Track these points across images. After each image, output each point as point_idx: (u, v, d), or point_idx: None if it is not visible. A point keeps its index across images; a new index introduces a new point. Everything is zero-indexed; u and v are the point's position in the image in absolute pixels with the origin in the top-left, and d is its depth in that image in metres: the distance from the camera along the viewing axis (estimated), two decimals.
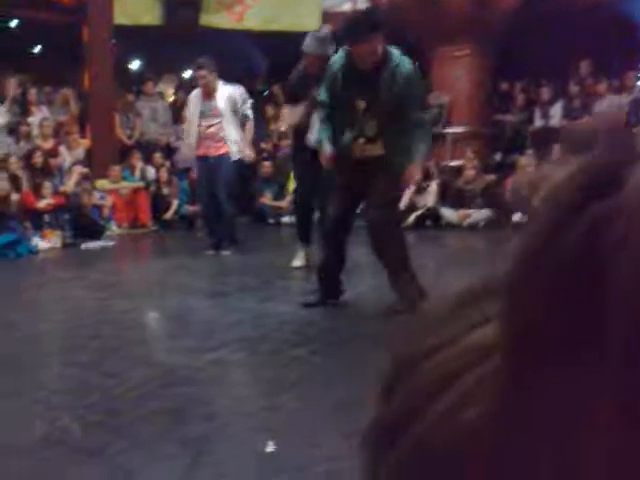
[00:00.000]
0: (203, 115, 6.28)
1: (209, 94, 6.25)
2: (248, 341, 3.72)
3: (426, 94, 9.83)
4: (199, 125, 6.30)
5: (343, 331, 3.86)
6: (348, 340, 3.68)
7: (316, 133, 4.38)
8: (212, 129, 6.24)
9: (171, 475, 2.42)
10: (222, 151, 6.27)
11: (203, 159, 6.36)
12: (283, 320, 4.12)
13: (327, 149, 3.96)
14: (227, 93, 6.26)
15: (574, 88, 8.88)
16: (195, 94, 6.40)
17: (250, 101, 6.62)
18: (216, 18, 10.07)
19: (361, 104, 3.85)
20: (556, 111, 9.04)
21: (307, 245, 5.52)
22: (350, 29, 3.84)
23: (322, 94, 4.04)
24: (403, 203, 8.23)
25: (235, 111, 6.27)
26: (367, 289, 4.78)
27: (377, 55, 3.75)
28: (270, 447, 2.52)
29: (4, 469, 2.38)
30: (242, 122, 6.39)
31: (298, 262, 5.52)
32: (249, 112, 6.46)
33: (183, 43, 9.74)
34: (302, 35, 9.53)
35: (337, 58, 3.96)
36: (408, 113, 3.82)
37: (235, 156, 6.35)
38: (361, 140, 3.91)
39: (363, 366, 3.21)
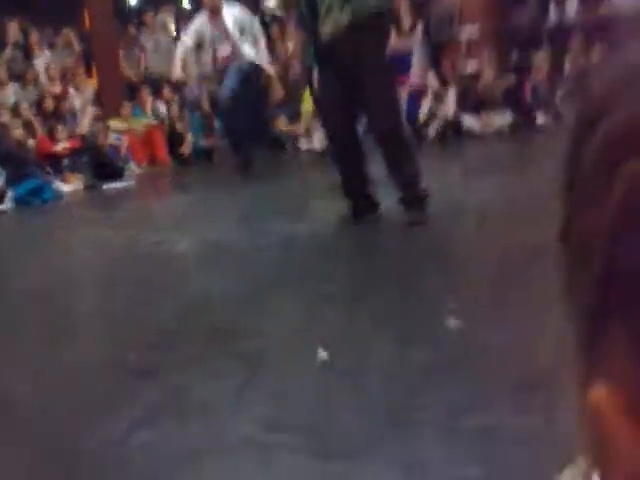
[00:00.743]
0: (214, 42, 6.11)
1: (216, 16, 6.04)
2: (284, 261, 3.72)
3: None
4: (214, 55, 6.18)
5: (379, 246, 3.83)
6: (383, 257, 3.65)
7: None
8: (226, 54, 6.10)
9: (229, 390, 2.45)
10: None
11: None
12: (317, 240, 4.09)
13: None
14: (233, 14, 6.05)
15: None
16: (201, 21, 6.21)
17: (257, 20, 6.42)
18: None
19: None
20: (571, 6, 8.67)
21: None
22: None
23: None
24: (422, 115, 8.07)
25: (244, 32, 6.08)
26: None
27: None
28: (323, 355, 2.53)
29: (64, 393, 2.43)
30: (252, 43, 6.20)
31: None
32: (259, 33, 6.26)
33: None
34: None
35: None
36: None
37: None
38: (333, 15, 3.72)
39: (401, 282, 3.20)
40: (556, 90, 7.79)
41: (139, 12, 10.84)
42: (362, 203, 4.13)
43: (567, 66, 7.97)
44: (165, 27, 10.38)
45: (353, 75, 3.74)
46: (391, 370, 2.40)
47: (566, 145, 0.29)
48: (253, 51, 6.18)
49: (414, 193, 3.83)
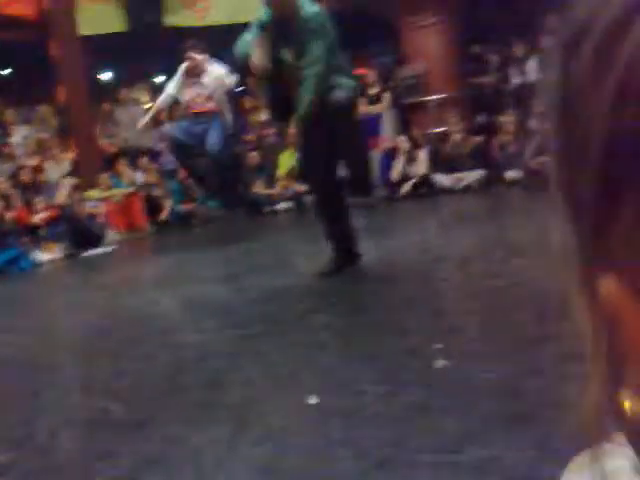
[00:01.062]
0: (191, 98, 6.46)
1: (197, 75, 6.39)
2: (270, 314, 3.75)
3: (398, 64, 9.91)
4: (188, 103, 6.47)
5: (364, 295, 3.89)
6: (367, 303, 3.72)
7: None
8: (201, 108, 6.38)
9: (220, 439, 2.44)
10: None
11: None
12: (301, 292, 4.14)
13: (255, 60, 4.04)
14: (215, 74, 6.38)
15: (546, 41, 8.94)
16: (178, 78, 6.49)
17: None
18: (179, 17, 10.03)
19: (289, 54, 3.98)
20: (531, 67, 9.10)
21: None
22: None
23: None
24: (394, 174, 8.31)
25: (223, 90, 6.45)
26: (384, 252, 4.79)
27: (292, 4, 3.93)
28: (313, 400, 2.55)
29: (58, 449, 2.41)
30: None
31: None
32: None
33: (150, 49, 9.74)
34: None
35: (256, 22, 4.14)
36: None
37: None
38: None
39: (386, 324, 3.26)
40: (523, 147, 8.09)
41: (113, 88, 11.10)
42: (344, 255, 4.23)
43: (532, 124, 8.30)
44: (138, 102, 10.63)
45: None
46: (381, 410, 2.43)
47: (547, 72, 0.29)
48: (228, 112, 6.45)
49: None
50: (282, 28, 3.96)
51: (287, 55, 4.00)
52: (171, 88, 6.59)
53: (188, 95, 6.41)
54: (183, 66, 6.49)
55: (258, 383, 2.83)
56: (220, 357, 3.20)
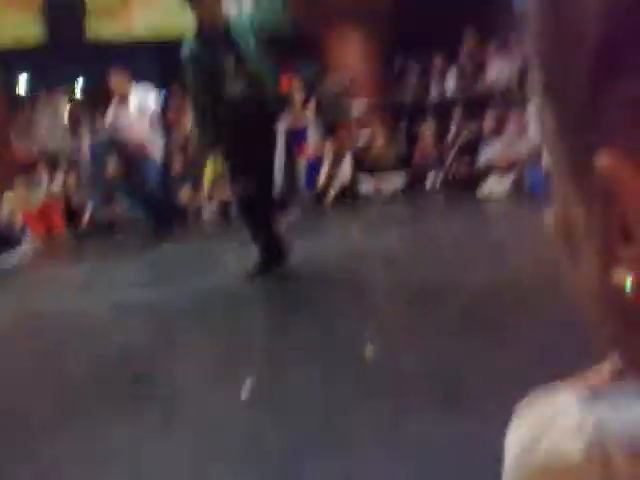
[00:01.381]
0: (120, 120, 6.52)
1: (123, 99, 6.47)
2: (198, 314, 3.72)
3: (323, 74, 10.06)
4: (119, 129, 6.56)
5: (294, 293, 3.91)
6: (300, 301, 3.73)
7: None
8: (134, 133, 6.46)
9: (152, 431, 2.41)
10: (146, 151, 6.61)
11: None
12: (230, 292, 4.12)
13: None
14: (139, 96, 6.50)
15: (466, 53, 9.29)
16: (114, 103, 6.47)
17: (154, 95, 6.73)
18: (102, 28, 9.82)
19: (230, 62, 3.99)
20: (450, 79, 9.42)
21: None
22: None
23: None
24: (320, 181, 8.39)
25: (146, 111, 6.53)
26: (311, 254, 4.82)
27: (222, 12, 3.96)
28: (246, 392, 2.56)
29: None
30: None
31: None
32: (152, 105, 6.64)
33: (70, 57, 9.50)
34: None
35: (189, 42, 4.10)
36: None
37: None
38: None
39: (319, 315, 3.30)
40: (442, 156, 8.36)
41: (31, 97, 10.77)
42: (270, 257, 4.25)
43: (450, 134, 8.59)
44: (57, 109, 10.37)
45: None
46: (315, 400, 2.46)
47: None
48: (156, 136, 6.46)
49: None
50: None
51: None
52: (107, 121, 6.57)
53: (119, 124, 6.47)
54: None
55: (188, 378, 2.81)
56: (147, 354, 3.16)
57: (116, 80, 6.40)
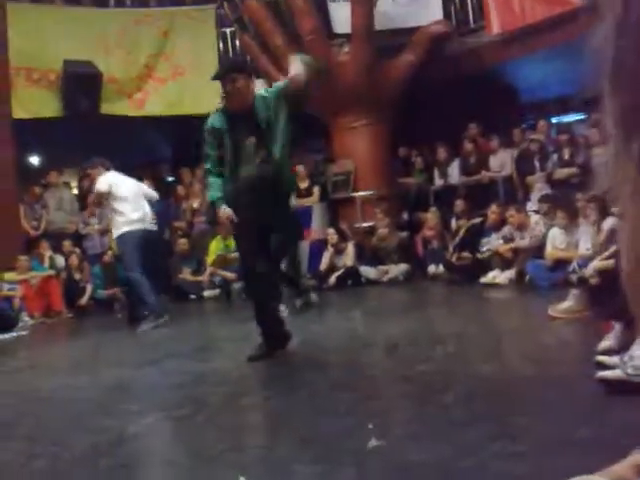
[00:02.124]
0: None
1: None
2: (194, 397, 3.62)
3: (329, 161, 10.28)
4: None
5: (294, 378, 3.84)
6: (298, 385, 3.66)
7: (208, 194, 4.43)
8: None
9: None
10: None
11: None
12: (225, 376, 4.05)
13: (224, 209, 4.05)
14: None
15: (468, 146, 9.51)
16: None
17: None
18: (117, 106, 10.15)
19: (252, 140, 4.06)
20: (453, 170, 9.60)
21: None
22: (219, 71, 4.32)
23: (206, 150, 4.20)
24: (323, 265, 8.43)
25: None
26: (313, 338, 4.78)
27: (247, 96, 4.05)
28: None
29: None
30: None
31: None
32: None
33: (84, 132, 9.74)
34: (203, 118, 9.82)
35: (212, 116, 4.21)
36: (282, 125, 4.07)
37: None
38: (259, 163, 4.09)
39: (319, 406, 3.21)
40: (444, 244, 8.41)
41: (43, 172, 10.98)
42: (272, 339, 4.19)
43: (453, 223, 8.67)
44: (68, 185, 10.54)
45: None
46: None
47: None
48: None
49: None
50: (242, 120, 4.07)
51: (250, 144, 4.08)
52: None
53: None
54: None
55: (182, 465, 2.70)
56: (141, 440, 3.05)
57: (93, 172, 6.57)
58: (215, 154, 4.13)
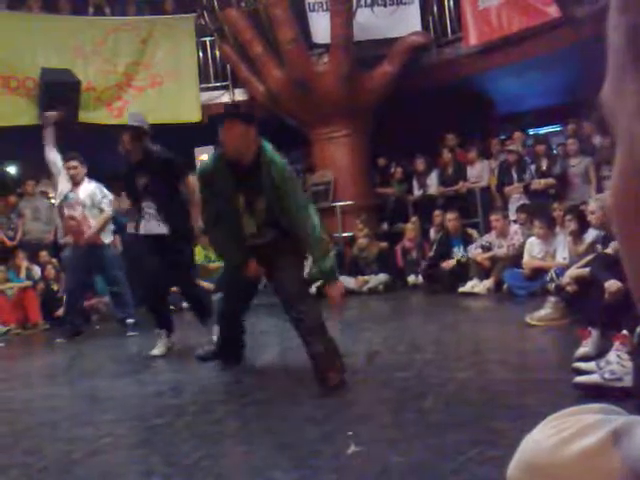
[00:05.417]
0: (67, 200, 6.63)
1: (77, 184, 6.61)
2: (171, 406, 3.59)
3: (309, 171, 10.31)
4: (60, 210, 6.74)
5: (270, 387, 3.82)
6: (277, 393, 3.64)
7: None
8: (74, 219, 6.60)
9: None
10: (97, 241, 6.65)
11: (75, 247, 6.70)
12: (202, 385, 4.02)
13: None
14: (90, 188, 6.66)
15: (446, 157, 9.58)
16: (66, 177, 6.57)
17: (110, 197, 6.85)
18: (95, 114, 10.07)
19: (241, 199, 3.72)
20: (432, 180, 9.66)
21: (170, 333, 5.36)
22: (222, 117, 3.84)
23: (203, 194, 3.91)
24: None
25: (93, 204, 6.65)
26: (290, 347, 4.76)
27: (250, 148, 3.66)
28: None
29: None
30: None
31: (157, 351, 5.22)
32: (105, 206, 6.73)
33: (62, 141, 9.64)
34: (182, 128, 9.78)
35: (211, 157, 3.90)
36: (294, 211, 3.62)
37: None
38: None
39: (297, 413, 3.20)
40: (423, 253, 8.44)
41: (20, 181, 10.85)
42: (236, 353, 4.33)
43: (432, 232, 8.71)
44: (45, 194, 10.41)
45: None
46: None
47: None
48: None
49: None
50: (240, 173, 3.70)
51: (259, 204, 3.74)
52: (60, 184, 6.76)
53: (66, 208, 6.64)
54: (65, 171, 6.68)
55: (159, 474, 2.66)
56: (116, 450, 3.00)
57: (71, 164, 6.56)
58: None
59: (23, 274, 8.52)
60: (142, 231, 5.11)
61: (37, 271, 8.66)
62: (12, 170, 12.26)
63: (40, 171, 10.96)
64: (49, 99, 9.31)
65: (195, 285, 5.54)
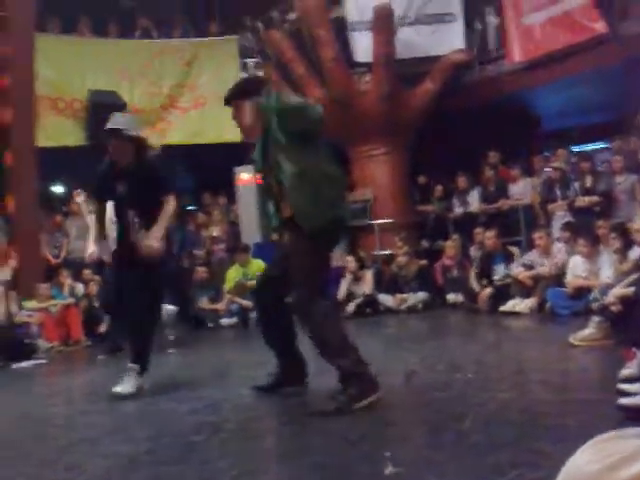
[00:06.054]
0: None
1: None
2: (209, 423, 3.59)
3: (350, 190, 10.32)
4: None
5: (307, 405, 3.80)
6: (312, 413, 3.61)
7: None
8: None
9: None
10: None
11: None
12: (240, 403, 4.02)
13: None
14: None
15: (489, 174, 9.48)
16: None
17: None
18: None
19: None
20: (473, 197, 9.56)
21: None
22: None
23: None
24: (341, 293, 8.37)
25: None
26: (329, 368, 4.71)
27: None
28: None
29: None
30: None
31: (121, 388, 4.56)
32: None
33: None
34: (224, 147, 9.90)
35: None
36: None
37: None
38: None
39: (334, 432, 3.17)
40: (464, 272, 8.33)
41: (66, 200, 11.11)
42: (288, 373, 4.11)
43: (472, 250, 8.60)
44: (90, 213, 10.63)
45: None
46: None
47: None
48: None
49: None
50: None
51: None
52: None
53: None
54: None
55: None
56: (153, 465, 3.01)
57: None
58: None
59: (66, 291, 8.70)
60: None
61: (80, 288, 8.83)
62: (58, 189, 12.57)
63: (86, 191, 11.24)
64: (96, 121, 9.55)
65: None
